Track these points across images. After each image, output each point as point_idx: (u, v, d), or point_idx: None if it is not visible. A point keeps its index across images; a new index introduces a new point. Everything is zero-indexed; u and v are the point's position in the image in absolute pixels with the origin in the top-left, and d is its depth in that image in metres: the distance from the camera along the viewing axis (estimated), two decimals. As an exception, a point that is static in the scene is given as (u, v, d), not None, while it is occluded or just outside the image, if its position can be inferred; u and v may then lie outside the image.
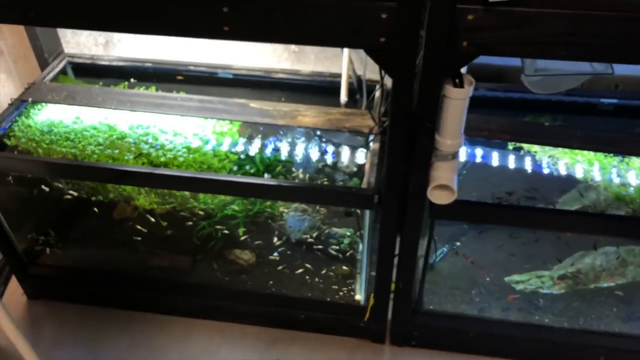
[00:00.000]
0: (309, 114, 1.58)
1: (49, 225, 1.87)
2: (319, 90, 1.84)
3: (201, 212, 1.67)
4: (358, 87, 1.77)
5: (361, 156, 1.65)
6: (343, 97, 1.78)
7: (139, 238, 1.78)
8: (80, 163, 1.48)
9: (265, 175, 1.60)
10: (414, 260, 1.47)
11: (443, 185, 1.29)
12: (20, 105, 1.67)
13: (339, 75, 1.78)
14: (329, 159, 1.68)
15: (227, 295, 1.77)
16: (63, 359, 1.73)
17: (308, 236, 1.74)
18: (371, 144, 1.53)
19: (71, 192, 1.73)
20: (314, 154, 1.69)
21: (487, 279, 1.68)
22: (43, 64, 1.90)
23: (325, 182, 1.62)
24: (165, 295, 1.80)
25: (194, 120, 1.66)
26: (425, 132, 1.21)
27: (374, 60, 1.13)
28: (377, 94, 1.74)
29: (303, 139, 1.73)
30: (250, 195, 1.62)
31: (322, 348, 1.74)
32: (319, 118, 1.57)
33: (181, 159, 1.57)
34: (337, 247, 1.73)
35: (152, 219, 1.70)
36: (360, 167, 1.64)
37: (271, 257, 1.77)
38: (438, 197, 1.31)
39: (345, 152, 1.68)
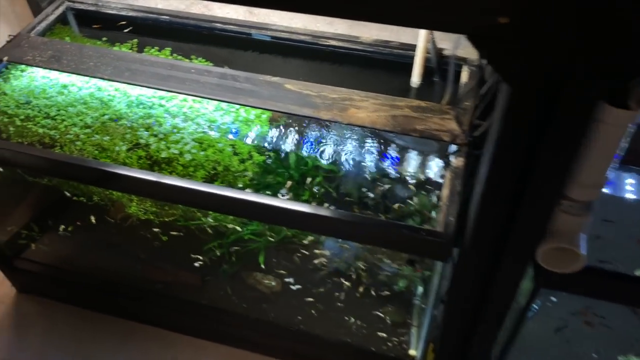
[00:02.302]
0: (365, 106, 1.12)
1: (31, 218, 1.53)
2: (382, 65, 1.37)
3: (210, 230, 1.27)
4: (438, 67, 1.28)
5: (435, 167, 1.19)
6: (415, 78, 1.30)
7: (139, 246, 1.42)
8: (50, 156, 1.09)
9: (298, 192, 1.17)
10: (496, 331, 1.04)
11: (563, 248, 0.83)
12: (-5, 64, 1.30)
13: (412, 47, 1.29)
14: (388, 166, 1.23)
15: (244, 322, 1.40)
16: (48, 375, 1.45)
17: (351, 267, 1.31)
18: (452, 157, 1.06)
19: (51, 184, 1.36)
20: (369, 158, 1.24)
21: (594, 354, 1.22)
22: (36, 9, 1.51)
23: (379, 206, 1.18)
24: (171, 312, 1.46)
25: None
26: (551, 171, 0.75)
27: (481, 52, 0.66)
28: (465, 77, 1.25)
29: (355, 134, 1.28)
30: (277, 223, 1.20)
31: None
32: (379, 113, 1.11)
33: (188, 157, 1.16)
34: (389, 286, 1.30)
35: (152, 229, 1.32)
36: (427, 181, 1.19)
37: (301, 287, 1.36)
38: (553, 261, 0.87)
39: (412, 158, 1.23)
